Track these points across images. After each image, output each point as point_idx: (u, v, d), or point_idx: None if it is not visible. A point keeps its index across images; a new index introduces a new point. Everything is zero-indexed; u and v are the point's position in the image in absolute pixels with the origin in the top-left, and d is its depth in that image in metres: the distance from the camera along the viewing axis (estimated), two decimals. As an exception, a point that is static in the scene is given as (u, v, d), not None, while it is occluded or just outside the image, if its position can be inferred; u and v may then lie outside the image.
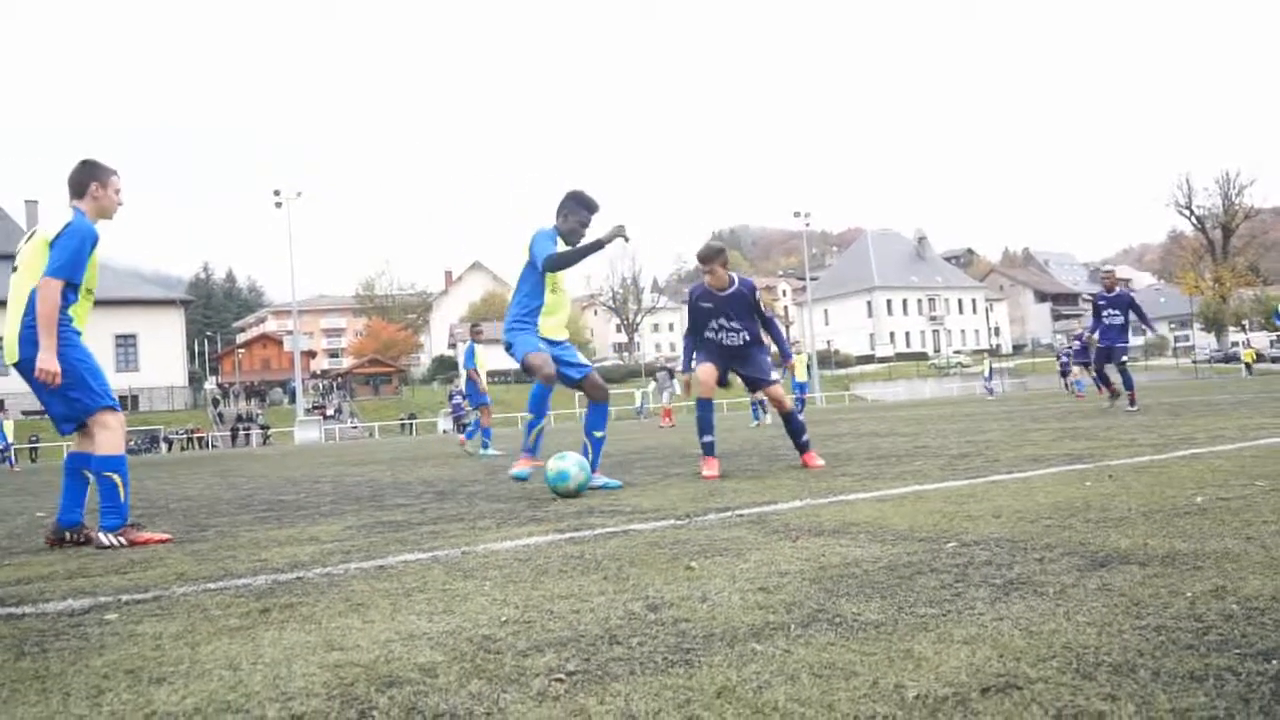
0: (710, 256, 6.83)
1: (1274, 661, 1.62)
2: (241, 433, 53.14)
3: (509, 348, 6.27)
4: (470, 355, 14.89)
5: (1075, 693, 1.53)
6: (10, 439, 27.46)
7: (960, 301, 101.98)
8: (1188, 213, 78.77)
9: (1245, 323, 74.36)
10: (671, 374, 25.99)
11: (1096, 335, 12.91)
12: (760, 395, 7.25)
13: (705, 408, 6.88)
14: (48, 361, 4.47)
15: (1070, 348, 21.93)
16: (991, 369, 45.46)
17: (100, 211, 4.81)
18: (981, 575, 2.50)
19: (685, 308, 7.18)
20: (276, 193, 48.17)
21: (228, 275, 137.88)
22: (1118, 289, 13.04)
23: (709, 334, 6.94)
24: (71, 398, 4.61)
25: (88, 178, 4.77)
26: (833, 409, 39.03)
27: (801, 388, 22.63)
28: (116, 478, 4.62)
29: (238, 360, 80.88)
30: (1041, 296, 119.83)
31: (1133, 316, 12.62)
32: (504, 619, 2.36)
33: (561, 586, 2.74)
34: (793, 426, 6.97)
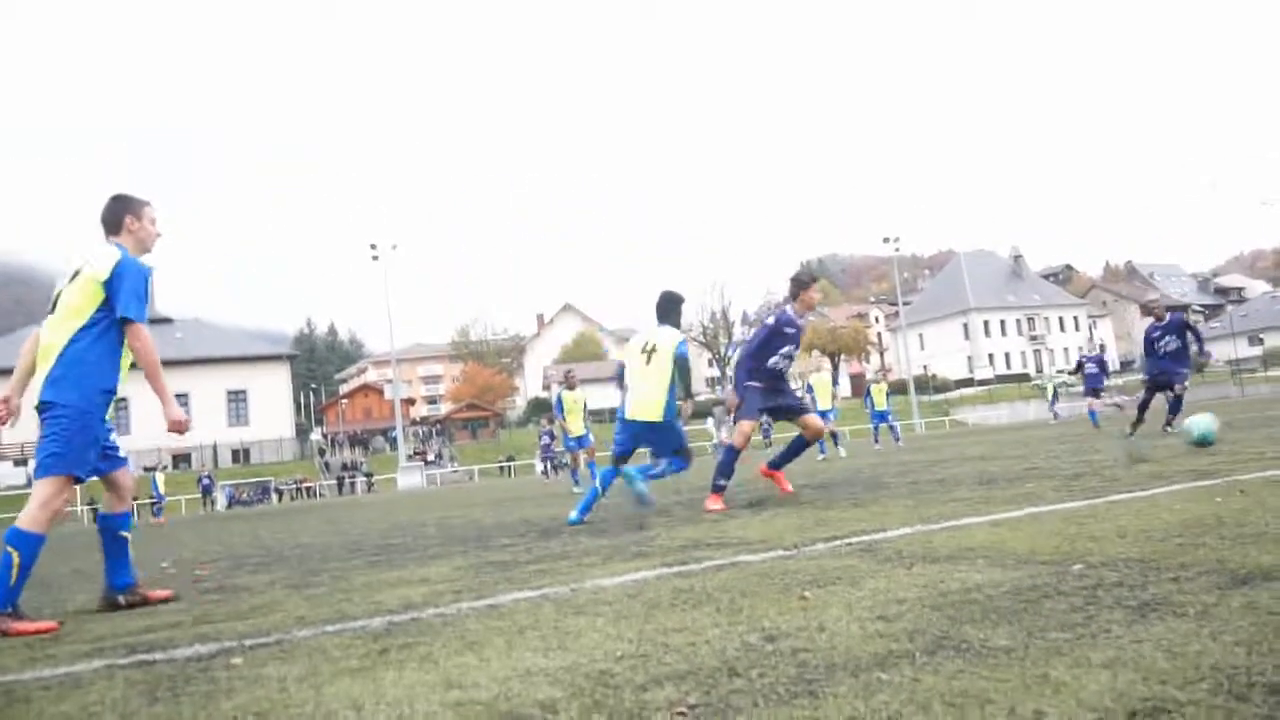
0: (812, 281, 7.17)
1: None
2: (347, 481, 54.57)
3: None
4: (559, 405, 15.92)
5: (1230, 715, 1.45)
6: (163, 492, 29.11)
7: (1061, 320, 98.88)
8: (1302, 215, 75.16)
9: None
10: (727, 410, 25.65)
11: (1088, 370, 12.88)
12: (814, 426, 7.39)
13: (736, 455, 7.30)
14: (176, 412, 4.38)
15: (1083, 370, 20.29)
16: (1056, 390, 41.05)
17: (139, 245, 4.54)
18: (1114, 597, 2.38)
19: (761, 332, 7.40)
20: (373, 246, 49.68)
21: (329, 329, 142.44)
22: (1168, 316, 12.63)
23: (774, 360, 7.05)
24: (50, 450, 4.16)
25: (122, 211, 4.53)
26: (933, 435, 38.10)
27: (883, 416, 21.92)
28: (16, 556, 4.01)
29: (341, 411, 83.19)
30: (1148, 311, 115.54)
31: (1190, 339, 12.28)
32: (619, 654, 2.35)
33: (674, 620, 2.72)
34: (796, 447, 7.55)
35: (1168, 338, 12.32)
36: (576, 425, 15.70)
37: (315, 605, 3.99)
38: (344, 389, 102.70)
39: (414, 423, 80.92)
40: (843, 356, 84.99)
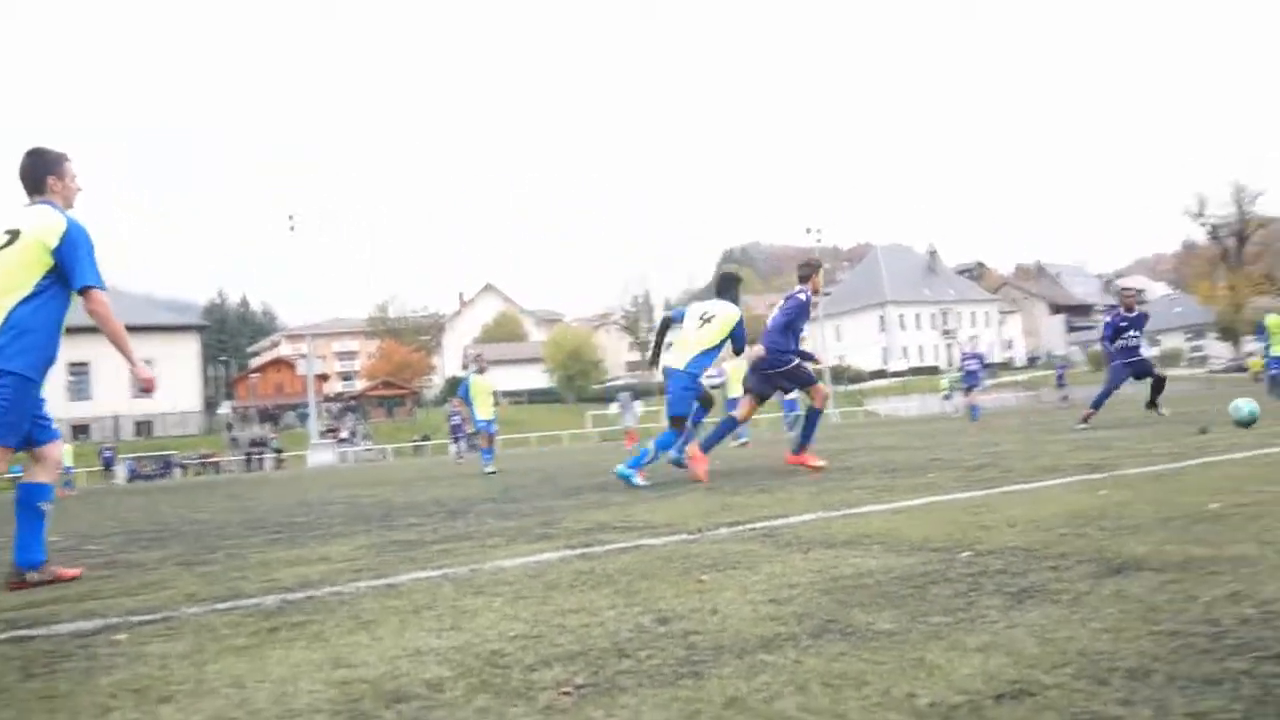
0: (820, 266, 8.35)
1: (1293, 665, 1.58)
2: (255, 457, 53.27)
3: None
4: (465, 389, 16.02)
5: (1090, 698, 1.50)
6: (70, 464, 28.11)
7: (973, 315, 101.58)
8: (1201, 221, 78.37)
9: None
10: (635, 395, 25.33)
11: (1111, 353, 12.45)
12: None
13: (819, 415, 8.20)
14: (144, 370, 4.40)
15: (962, 369, 20.85)
16: (952, 386, 40.63)
17: (65, 204, 4.35)
18: (995, 584, 2.46)
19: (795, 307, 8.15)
20: (291, 217, 48.49)
21: (242, 300, 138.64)
22: (1138, 309, 12.64)
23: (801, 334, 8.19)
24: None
25: (43, 170, 4.31)
26: (846, 425, 38.89)
27: (791, 405, 22.03)
28: (47, 508, 4.31)
29: (252, 385, 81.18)
30: (1055, 308, 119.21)
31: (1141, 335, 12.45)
32: (513, 634, 2.35)
33: (571, 601, 2.72)
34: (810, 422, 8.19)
35: (1134, 333, 12.28)
36: (485, 410, 15.74)
37: (208, 582, 3.90)
38: (255, 362, 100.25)
39: (328, 399, 79.43)
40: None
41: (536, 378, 78.05)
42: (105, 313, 4.22)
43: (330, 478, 21.22)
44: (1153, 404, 12.50)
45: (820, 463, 7.98)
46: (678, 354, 7.92)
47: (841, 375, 78.38)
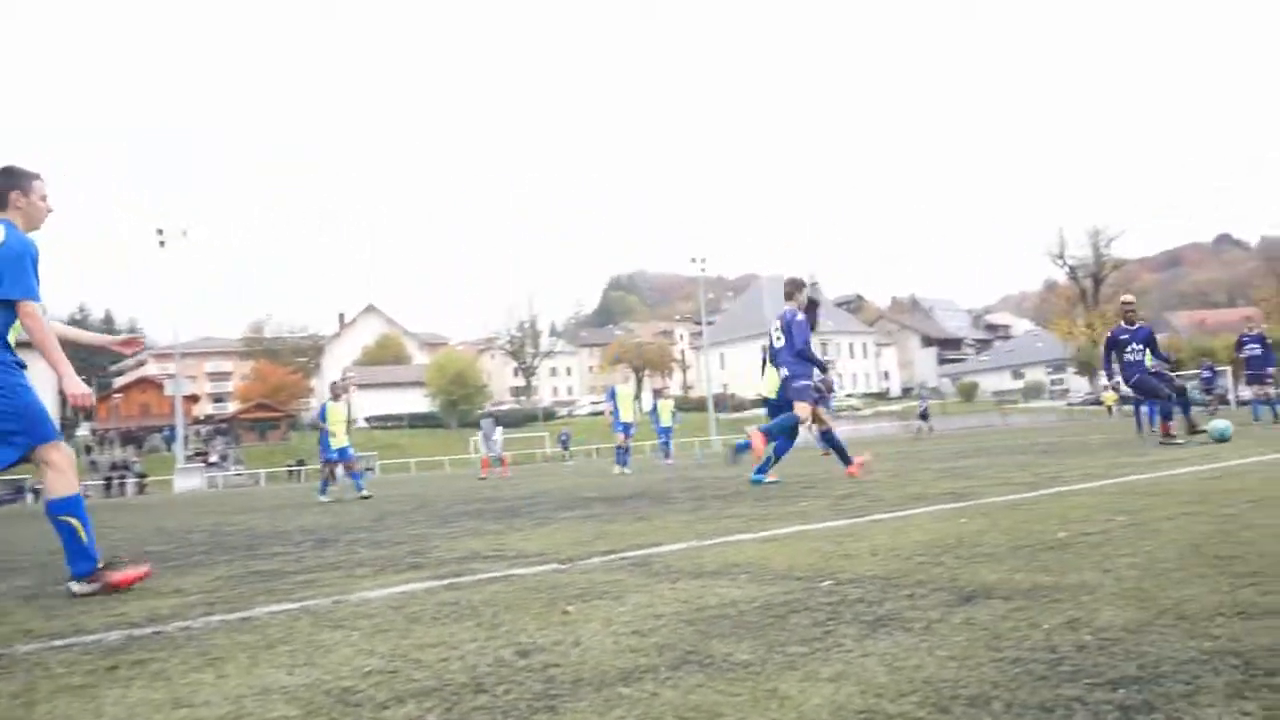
0: (805, 284, 9.30)
1: (1121, 691, 1.66)
2: (116, 482, 50.65)
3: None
4: (322, 415, 15.80)
5: (931, 727, 1.54)
6: None
7: (851, 346, 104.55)
8: (1061, 262, 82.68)
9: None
10: (496, 421, 25.14)
11: (1117, 378, 11.89)
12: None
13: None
14: (78, 383, 4.31)
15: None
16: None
17: (29, 222, 4.34)
18: (853, 613, 2.52)
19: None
20: (160, 231, 46.53)
21: (106, 316, 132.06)
22: (1139, 323, 11.92)
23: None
24: (30, 434, 4.17)
25: (6, 186, 4.29)
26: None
27: (666, 432, 22.26)
28: (74, 521, 4.22)
29: (114, 406, 77.29)
30: (928, 341, 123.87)
31: (1152, 356, 11.68)
32: (367, 669, 2.27)
33: (432, 634, 2.66)
34: (833, 443, 9.68)
35: (1136, 345, 11.66)
36: (339, 437, 15.42)
37: (48, 617, 3.66)
38: (119, 382, 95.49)
39: (197, 421, 76.31)
40: (647, 371, 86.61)
41: (419, 402, 76.64)
42: (32, 325, 4.17)
43: (196, 504, 20.31)
44: (1193, 429, 11.42)
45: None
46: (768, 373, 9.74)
47: (725, 403, 79.46)
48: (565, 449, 49.86)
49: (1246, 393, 14.61)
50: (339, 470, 15.89)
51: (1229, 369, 40.75)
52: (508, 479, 20.04)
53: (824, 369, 9.70)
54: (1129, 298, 12.59)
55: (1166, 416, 11.13)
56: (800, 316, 9.18)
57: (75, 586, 4.20)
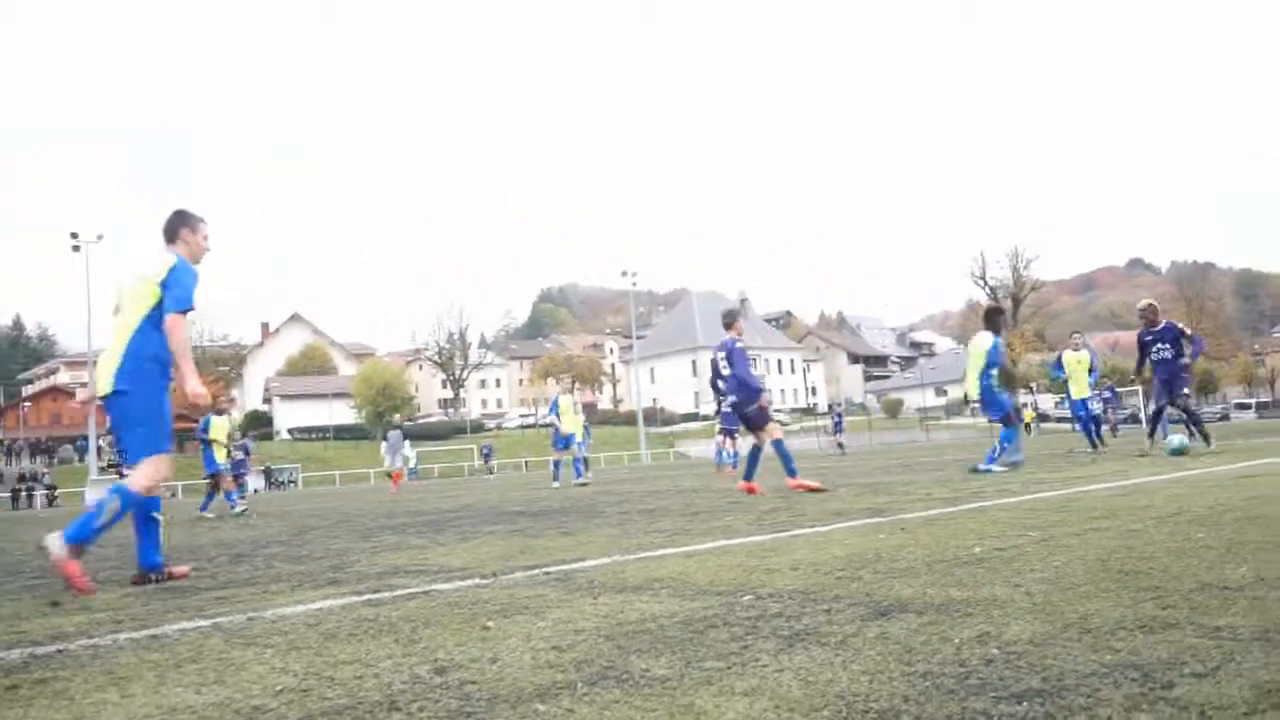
0: (739, 316, 10.21)
1: (1025, 703, 1.70)
2: (24, 494, 48.73)
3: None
4: (204, 428, 15.30)
5: (841, 741, 1.56)
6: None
7: (780, 361, 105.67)
8: (982, 283, 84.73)
9: (1033, 385, 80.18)
10: (405, 435, 24.47)
11: (1150, 374, 12.03)
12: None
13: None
14: (198, 385, 4.77)
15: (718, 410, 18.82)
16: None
17: (191, 256, 5.02)
18: (771, 627, 2.54)
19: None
20: (74, 235, 45.06)
21: (15, 322, 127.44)
22: (1163, 321, 12.10)
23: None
24: (150, 434, 4.83)
25: (179, 224, 5.05)
26: (657, 466, 39.49)
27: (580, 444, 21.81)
28: (160, 517, 5.04)
29: (22, 415, 74.47)
30: (854, 358, 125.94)
31: (1185, 346, 11.75)
32: (279, 688, 2.22)
33: (348, 651, 2.62)
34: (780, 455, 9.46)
35: (1162, 344, 11.86)
36: (220, 452, 15.16)
37: (-58, 636, 3.51)
38: (28, 390, 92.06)
39: (110, 431, 73.85)
40: (577, 385, 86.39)
41: (344, 413, 75.30)
42: (175, 330, 4.78)
43: (108, 517, 19.61)
44: (1204, 438, 11.78)
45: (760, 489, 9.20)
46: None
47: (654, 417, 79.64)
48: (488, 462, 49.67)
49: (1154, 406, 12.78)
50: (228, 483, 15.53)
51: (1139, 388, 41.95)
52: (395, 497, 19.58)
53: (759, 392, 9.96)
54: (1144, 302, 12.85)
55: (1156, 417, 12.55)
56: (740, 344, 9.84)
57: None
